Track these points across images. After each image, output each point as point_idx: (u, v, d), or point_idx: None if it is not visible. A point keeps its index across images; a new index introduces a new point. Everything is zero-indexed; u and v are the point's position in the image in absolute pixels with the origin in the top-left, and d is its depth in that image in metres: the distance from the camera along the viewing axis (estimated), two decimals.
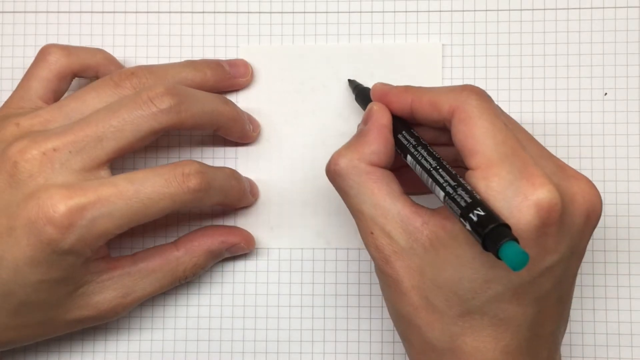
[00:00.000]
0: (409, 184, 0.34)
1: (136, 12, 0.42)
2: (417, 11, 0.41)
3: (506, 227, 0.28)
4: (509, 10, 0.41)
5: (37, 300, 0.34)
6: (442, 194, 0.30)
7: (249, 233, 0.40)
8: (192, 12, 0.42)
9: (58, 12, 0.42)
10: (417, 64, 0.41)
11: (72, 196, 0.33)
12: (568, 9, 0.41)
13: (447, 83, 0.41)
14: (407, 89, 0.35)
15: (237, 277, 0.41)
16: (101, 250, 0.36)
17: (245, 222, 0.41)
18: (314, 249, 0.41)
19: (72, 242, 0.33)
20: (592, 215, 0.31)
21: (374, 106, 0.35)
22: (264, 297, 0.41)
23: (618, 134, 0.40)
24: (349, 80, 0.41)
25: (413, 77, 0.41)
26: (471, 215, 0.28)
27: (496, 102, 0.41)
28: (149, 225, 0.41)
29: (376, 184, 0.33)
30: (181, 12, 0.42)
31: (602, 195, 0.40)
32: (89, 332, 0.41)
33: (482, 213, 0.28)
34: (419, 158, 0.33)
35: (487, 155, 0.30)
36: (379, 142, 0.33)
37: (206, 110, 0.36)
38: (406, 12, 0.41)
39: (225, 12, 0.42)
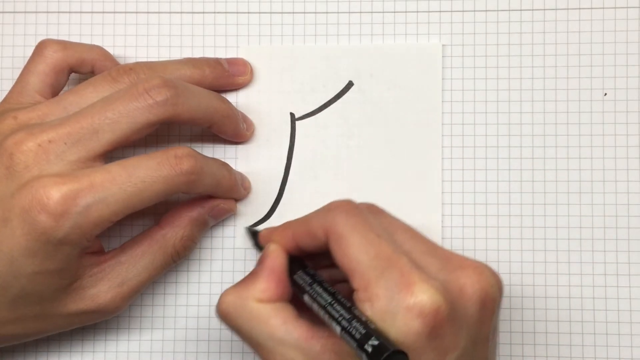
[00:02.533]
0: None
1: (136, 12, 0.42)
2: (417, 11, 0.41)
3: (401, 352, 0.28)
4: (509, 10, 0.41)
5: (33, 292, 0.34)
6: (338, 328, 0.30)
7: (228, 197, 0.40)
8: (192, 13, 0.42)
9: (58, 12, 0.42)
10: (417, 64, 0.41)
11: (65, 183, 0.32)
12: (568, 9, 0.41)
13: (447, 83, 0.41)
14: (287, 225, 0.35)
15: (236, 277, 0.41)
16: (96, 243, 0.36)
17: (245, 222, 0.41)
18: None
19: (66, 230, 0.32)
20: (487, 301, 0.31)
21: (270, 246, 0.35)
22: None
23: (618, 134, 0.41)
24: (245, 228, 0.41)
25: (413, 77, 0.41)
26: (366, 347, 0.29)
27: (495, 103, 0.41)
28: (139, 217, 0.41)
29: (267, 317, 0.32)
30: (181, 13, 0.42)
31: (602, 196, 0.40)
32: (89, 332, 0.41)
33: (375, 343, 0.28)
34: (315, 296, 0.33)
35: (363, 274, 0.30)
36: (269, 281, 0.33)
37: (202, 105, 0.37)
38: (406, 12, 0.41)
39: (225, 12, 0.42)
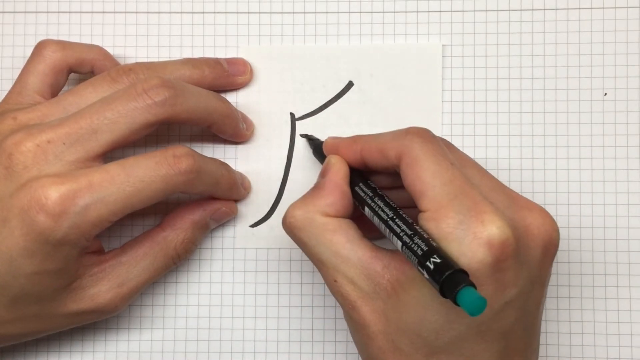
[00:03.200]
0: (373, 229, 0.34)
1: (136, 12, 0.42)
2: (417, 11, 0.41)
3: (463, 272, 0.28)
4: (509, 10, 0.41)
5: (32, 292, 0.34)
6: (399, 243, 0.31)
7: (230, 200, 0.40)
8: (192, 13, 0.42)
9: (58, 12, 0.42)
10: (417, 64, 0.41)
11: (63, 182, 0.32)
12: (568, 9, 0.41)
13: (447, 83, 0.41)
14: (356, 139, 0.35)
15: (236, 277, 0.41)
16: (95, 243, 0.36)
17: (245, 221, 0.41)
18: None
19: (65, 230, 0.32)
20: (549, 246, 0.32)
21: (332, 159, 0.35)
22: (264, 297, 0.41)
23: (618, 134, 0.40)
24: (302, 135, 0.41)
25: (413, 77, 0.41)
26: (428, 263, 0.29)
27: (495, 103, 0.41)
28: (139, 217, 0.41)
29: (333, 233, 0.33)
30: (181, 13, 0.42)
31: (602, 196, 0.40)
32: (89, 332, 0.41)
33: (438, 260, 0.28)
34: (376, 209, 0.33)
35: (435, 197, 0.31)
36: (334, 195, 0.34)
37: (201, 105, 0.37)
38: (406, 12, 0.41)
39: (225, 12, 0.42)
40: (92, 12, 0.42)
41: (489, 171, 0.40)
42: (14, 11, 0.43)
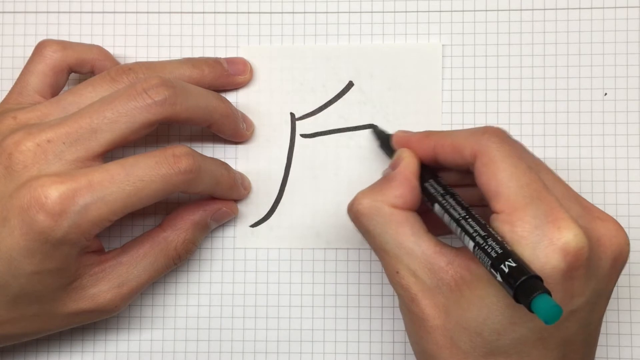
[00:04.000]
0: (437, 225, 0.34)
1: (136, 12, 0.42)
2: (417, 11, 0.41)
3: (538, 278, 0.28)
4: (509, 10, 0.41)
5: (32, 292, 0.34)
6: (471, 244, 0.30)
7: (230, 200, 0.40)
8: (192, 12, 0.42)
9: (58, 12, 0.42)
10: (417, 64, 0.41)
11: (63, 182, 0.32)
12: (568, 9, 0.41)
13: (447, 83, 0.41)
14: (429, 134, 0.35)
15: (237, 277, 0.41)
16: (95, 242, 0.36)
17: (245, 221, 0.41)
18: (314, 249, 0.41)
19: (65, 230, 0.32)
20: (619, 259, 0.31)
21: (404, 152, 0.35)
22: (264, 297, 0.41)
23: (618, 134, 0.40)
24: (371, 125, 0.41)
25: (413, 77, 0.41)
26: (502, 266, 0.28)
27: (495, 103, 0.41)
28: (139, 217, 0.41)
29: (400, 224, 0.33)
30: (181, 13, 0.42)
31: (602, 196, 0.40)
32: (89, 332, 0.41)
33: (513, 264, 0.28)
34: (447, 207, 0.33)
35: (511, 198, 0.30)
36: (404, 187, 0.33)
37: (200, 104, 0.37)
38: (406, 12, 0.41)
39: (225, 12, 0.42)
40: (92, 12, 0.42)
41: None
42: (14, 11, 0.43)
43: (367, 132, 0.41)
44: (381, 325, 0.40)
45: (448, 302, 0.31)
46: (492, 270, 0.29)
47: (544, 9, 0.41)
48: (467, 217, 0.32)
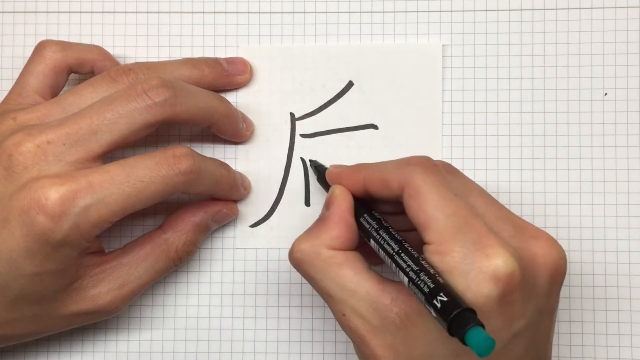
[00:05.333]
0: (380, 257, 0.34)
1: (136, 12, 0.42)
2: (417, 11, 0.41)
3: (471, 311, 0.28)
4: (509, 10, 0.41)
5: (33, 293, 0.34)
6: (405, 279, 0.31)
7: (230, 201, 0.40)
8: (192, 12, 0.42)
9: (58, 12, 0.42)
10: (417, 64, 0.41)
11: (63, 183, 0.32)
12: (568, 9, 0.41)
13: (447, 83, 0.41)
14: (359, 168, 0.35)
15: (237, 277, 0.41)
16: (95, 243, 0.36)
17: (245, 221, 0.41)
18: None
19: (65, 231, 0.32)
20: (557, 274, 0.31)
21: (336, 190, 0.35)
22: (264, 297, 0.41)
23: (618, 134, 0.40)
24: (310, 160, 0.41)
25: (413, 77, 0.41)
26: (435, 301, 0.28)
27: (495, 103, 0.41)
28: (139, 217, 0.41)
29: (340, 266, 0.33)
30: (181, 12, 0.42)
31: (602, 196, 0.40)
32: (89, 332, 0.41)
33: (445, 299, 0.28)
34: (381, 242, 0.33)
35: (439, 230, 0.30)
36: (340, 228, 0.33)
37: (200, 105, 0.37)
38: (406, 12, 0.41)
39: (225, 12, 0.42)
40: (92, 12, 0.42)
41: (489, 171, 0.40)
42: (14, 11, 0.43)
43: (367, 132, 0.41)
44: None
45: (395, 340, 0.31)
46: (427, 305, 0.29)
47: (544, 9, 0.41)
48: (400, 251, 0.32)
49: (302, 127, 0.41)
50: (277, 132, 0.41)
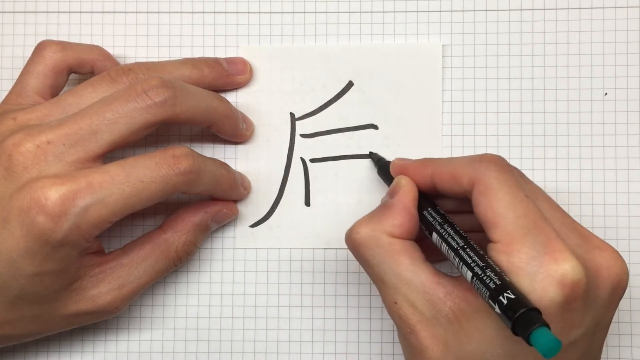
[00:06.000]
0: (435, 252, 0.34)
1: (136, 12, 0.42)
2: (417, 11, 0.41)
3: (536, 311, 0.28)
4: (509, 10, 0.41)
5: (33, 293, 0.34)
6: (469, 274, 0.30)
7: (230, 201, 0.40)
8: (192, 12, 0.42)
9: (58, 12, 0.42)
10: (417, 64, 0.41)
11: (63, 183, 0.32)
12: (568, 9, 0.41)
13: (447, 83, 0.41)
14: (426, 162, 0.35)
15: (236, 277, 0.41)
16: (95, 243, 0.36)
17: (245, 221, 0.41)
18: (314, 249, 0.41)
19: (65, 231, 0.32)
20: (618, 288, 0.31)
21: (402, 180, 0.35)
22: (264, 297, 0.41)
23: (618, 134, 0.40)
24: (371, 152, 0.41)
25: (413, 77, 0.41)
26: (501, 298, 0.28)
27: (495, 103, 0.41)
28: (139, 217, 0.41)
29: (398, 254, 0.33)
30: (181, 12, 0.42)
31: (602, 195, 0.40)
32: (89, 332, 0.41)
33: (512, 296, 0.28)
34: (446, 236, 0.33)
35: (508, 229, 0.30)
36: (402, 216, 0.33)
37: (200, 105, 0.36)
38: (406, 12, 0.41)
39: (225, 12, 0.42)
40: (92, 12, 0.42)
41: None
42: (14, 11, 0.43)
43: (367, 132, 0.41)
44: (381, 325, 0.40)
45: (447, 334, 0.31)
46: (491, 302, 0.29)
47: (544, 9, 0.41)
48: (465, 246, 0.31)
49: (302, 127, 0.41)
50: (277, 132, 0.41)
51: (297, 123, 0.41)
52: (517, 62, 0.41)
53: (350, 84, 0.41)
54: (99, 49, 0.40)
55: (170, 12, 0.42)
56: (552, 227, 0.30)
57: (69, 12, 0.42)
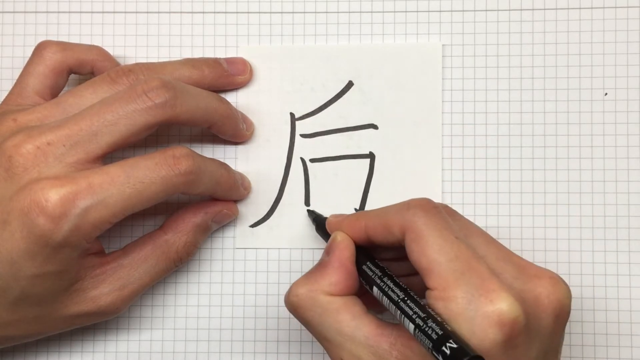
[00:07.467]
0: (378, 303, 0.34)
1: (136, 12, 0.42)
2: (417, 11, 0.41)
3: (479, 358, 0.28)
4: (509, 10, 0.41)
5: (33, 294, 0.34)
6: (412, 326, 0.30)
7: (231, 202, 0.40)
8: (192, 12, 0.42)
9: (58, 12, 0.42)
10: (417, 64, 0.41)
11: (63, 185, 0.32)
12: (568, 9, 0.41)
13: (447, 83, 0.41)
14: (359, 216, 0.35)
15: (237, 277, 0.41)
16: (96, 244, 0.36)
17: (245, 221, 0.41)
18: (313, 249, 0.41)
19: (65, 232, 0.32)
20: (561, 314, 0.31)
21: (338, 236, 0.35)
22: (264, 297, 0.41)
23: (618, 134, 0.40)
24: (308, 210, 0.41)
25: (413, 77, 0.41)
26: (444, 348, 0.28)
27: (495, 103, 0.41)
28: (139, 218, 0.41)
29: (337, 312, 0.33)
30: (181, 12, 0.42)
31: (602, 196, 0.40)
32: (89, 332, 0.41)
33: (454, 346, 0.28)
34: (386, 289, 0.33)
35: (442, 274, 0.30)
36: (339, 274, 0.33)
37: (201, 106, 0.36)
38: (406, 12, 0.41)
39: (225, 12, 0.42)
40: (92, 12, 0.42)
41: (489, 171, 0.40)
42: (14, 11, 0.43)
43: (367, 132, 0.41)
44: None
45: None
46: (435, 353, 0.29)
47: (544, 9, 0.41)
48: (405, 298, 0.31)
49: (302, 127, 0.41)
50: (277, 132, 0.41)
51: (297, 123, 0.41)
52: (517, 62, 0.41)
53: (350, 84, 0.41)
54: (98, 50, 0.40)
55: (170, 12, 0.42)
56: (485, 266, 0.30)
57: (69, 12, 0.42)
